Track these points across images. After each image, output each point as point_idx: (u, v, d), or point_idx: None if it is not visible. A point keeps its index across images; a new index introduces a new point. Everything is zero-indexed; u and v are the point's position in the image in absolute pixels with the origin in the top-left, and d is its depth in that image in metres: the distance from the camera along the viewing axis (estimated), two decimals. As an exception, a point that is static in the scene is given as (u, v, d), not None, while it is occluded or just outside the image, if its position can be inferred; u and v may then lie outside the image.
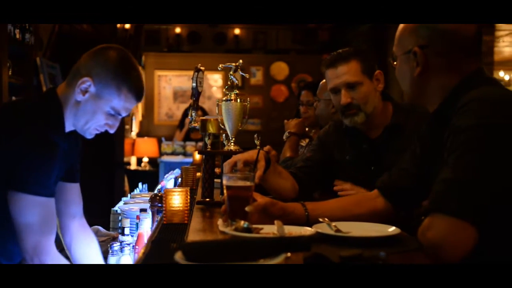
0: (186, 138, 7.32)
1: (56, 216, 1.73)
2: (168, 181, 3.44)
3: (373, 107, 1.97)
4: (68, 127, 1.73)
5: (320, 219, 1.45)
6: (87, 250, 1.90)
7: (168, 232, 1.50)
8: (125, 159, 6.61)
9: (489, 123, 1.15)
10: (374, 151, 2.00)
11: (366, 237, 1.33)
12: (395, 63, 1.41)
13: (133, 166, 7.04)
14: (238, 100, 1.93)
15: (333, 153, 2.11)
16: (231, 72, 1.96)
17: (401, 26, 1.39)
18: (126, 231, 1.96)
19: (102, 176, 6.08)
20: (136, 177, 6.02)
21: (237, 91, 1.98)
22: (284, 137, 3.02)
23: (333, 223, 1.41)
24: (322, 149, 2.14)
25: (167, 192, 1.60)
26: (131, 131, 7.24)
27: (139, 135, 7.91)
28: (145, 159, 7.03)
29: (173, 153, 6.54)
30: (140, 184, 3.24)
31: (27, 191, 1.58)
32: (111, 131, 1.74)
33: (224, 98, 1.94)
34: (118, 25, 8.10)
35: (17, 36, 4.00)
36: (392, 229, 1.37)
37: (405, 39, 1.36)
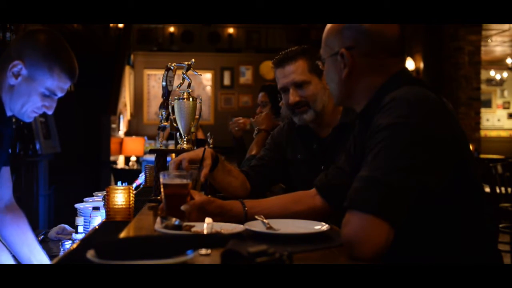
0: (170, 137, 7.32)
1: None
2: (142, 180, 3.45)
3: (322, 105, 1.98)
4: (8, 113, 1.74)
5: (256, 217, 1.46)
6: (18, 232, 1.89)
7: (106, 229, 1.51)
8: (113, 158, 6.62)
9: (406, 122, 1.16)
10: (324, 150, 2.01)
11: (294, 234, 1.34)
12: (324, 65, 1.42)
13: (121, 165, 7.06)
14: (191, 99, 1.94)
15: (286, 152, 2.12)
16: (183, 71, 1.98)
17: (327, 27, 1.38)
18: (80, 229, 1.98)
19: (88, 175, 6.11)
20: (123, 176, 6.04)
21: (190, 90, 2.00)
22: (254, 135, 3.01)
23: (267, 221, 1.42)
24: (275, 148, 2.15)
25: (109, 190, 1.61)
26: (119, 130, 7.26)
27: (128, 134, 7.92)
28: (133, 158, 7.05)
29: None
30: (119, 183, 3.24)
31: None
32: (49, 113, 1.76)
33: (176, 97, 1.96)
34: (111, 24, 8.13)
35: (-3, 35, 4.03)
36: (319, 226, 1.38)
37: (331, 41, 1.36)
